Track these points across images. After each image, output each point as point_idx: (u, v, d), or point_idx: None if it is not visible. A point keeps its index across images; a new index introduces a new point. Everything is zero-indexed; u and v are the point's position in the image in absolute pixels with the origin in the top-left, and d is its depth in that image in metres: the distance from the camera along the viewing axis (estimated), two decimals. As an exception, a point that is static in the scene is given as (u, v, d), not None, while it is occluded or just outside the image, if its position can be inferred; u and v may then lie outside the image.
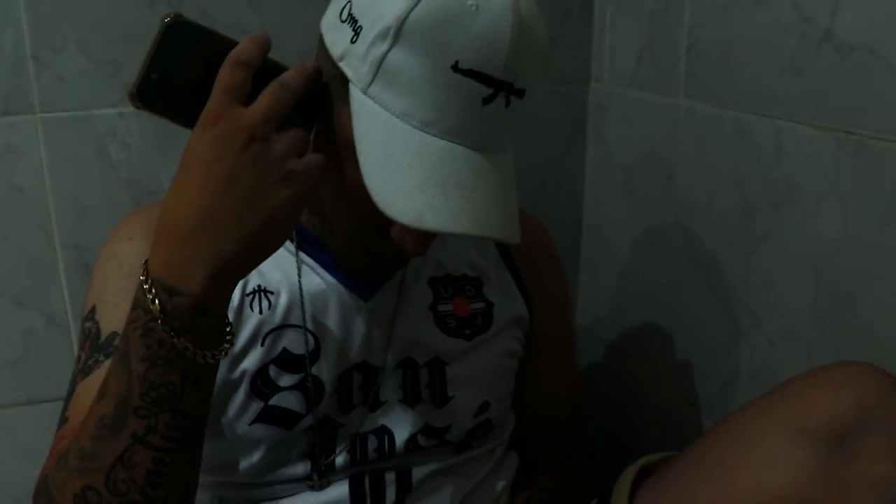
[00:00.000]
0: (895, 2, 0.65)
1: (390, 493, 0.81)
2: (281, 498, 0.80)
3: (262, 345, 0.78)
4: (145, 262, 0.59)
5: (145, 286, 0.58)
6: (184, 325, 0.58)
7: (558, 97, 1.10)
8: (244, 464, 0.80)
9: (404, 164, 0.59)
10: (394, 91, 0.59)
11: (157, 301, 0.57)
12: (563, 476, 0.90)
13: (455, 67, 0.58)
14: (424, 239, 0.64)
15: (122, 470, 0.58)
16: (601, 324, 1.15)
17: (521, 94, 0.61)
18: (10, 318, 0.98)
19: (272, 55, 0.61)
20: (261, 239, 0.58)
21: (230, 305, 0.76)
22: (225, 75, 0.58)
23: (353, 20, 0.62)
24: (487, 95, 0.59)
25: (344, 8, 0.63)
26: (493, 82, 0.59)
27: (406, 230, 0.63)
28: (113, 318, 0.73)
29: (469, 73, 0.58)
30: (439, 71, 0.58)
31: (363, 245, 0.73)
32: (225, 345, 0.61)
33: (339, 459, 0.80)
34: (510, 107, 0.60)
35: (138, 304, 0.59)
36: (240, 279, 0.61)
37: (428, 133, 0.59)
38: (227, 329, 0.61)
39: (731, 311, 0.87)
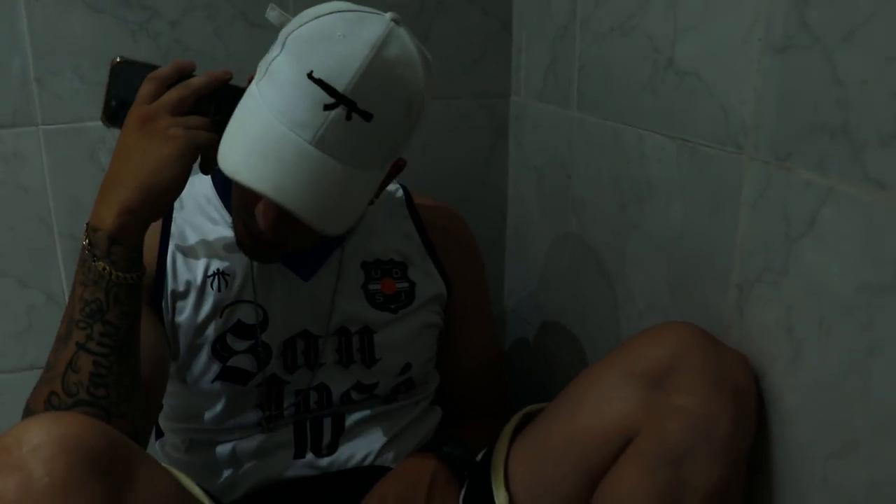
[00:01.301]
0: (713, 38, 0.81)
1: (326, 435, 0.97)
2: (238, 440, 0.96)
3: (221, 317, 0.94)
4: (88, 220, 0.77)
5: (85, 232, 0.76)
6: (103, 253, 0.75)
7: (484, 109, 1.26)
8: (208, 413, 0.96)
9: (246, 135, 0.75)
10: (270, 86, 0.75)
11: (87, 238, 0.75)
12: (477, 429, 1.05)
13: (310, 75, 0.73)
14: (273, 221, 0.79)
15: (72, 374, 0.74)
16: (523, 305, 1.31)
17: (366, 116, 0.74)
18: (16, 297, 1.15)
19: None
20: (152, 188, 0.75)
21: (194, 284, 0.93)
22: (142, 88, 0.77)
23: (276, 38, 0.79)
24: (330, 103, 0.73)
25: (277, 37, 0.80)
26: (336, 94, 0.73)
27: (262, 208, 0.79)
28: None
29: (318, 82, 0.73)
30: (298, 75, 0.74)
31: (244, 223, 0.88)
32: (136, 271, 0.77)
33: (286, 411, 0.96)
34: (351, 121, 0.74)
35: (81, 250, 0.76)
36: (144, 219, 0.76)
37: (277, 120, 0.74)
38: (137, 258, 0.77)
39: (612, 289, 1.03)
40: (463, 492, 0.91)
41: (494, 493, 0.85)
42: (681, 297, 0.91)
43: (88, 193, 1.13)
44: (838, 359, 0.70)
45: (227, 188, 0.97)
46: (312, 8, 0.77)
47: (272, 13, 0.80)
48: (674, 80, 0.88)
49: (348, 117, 0.74)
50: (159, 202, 0.76)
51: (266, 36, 1.08)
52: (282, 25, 0.80)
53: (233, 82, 0.81)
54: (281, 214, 0.78)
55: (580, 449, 0.79)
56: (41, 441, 0.60)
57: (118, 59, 0.79)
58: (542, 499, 0.83)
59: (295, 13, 0.80)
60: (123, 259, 0.76)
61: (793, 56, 0.72)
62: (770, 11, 0.74)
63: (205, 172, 0.81)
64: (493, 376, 1.13)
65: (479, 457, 0.93)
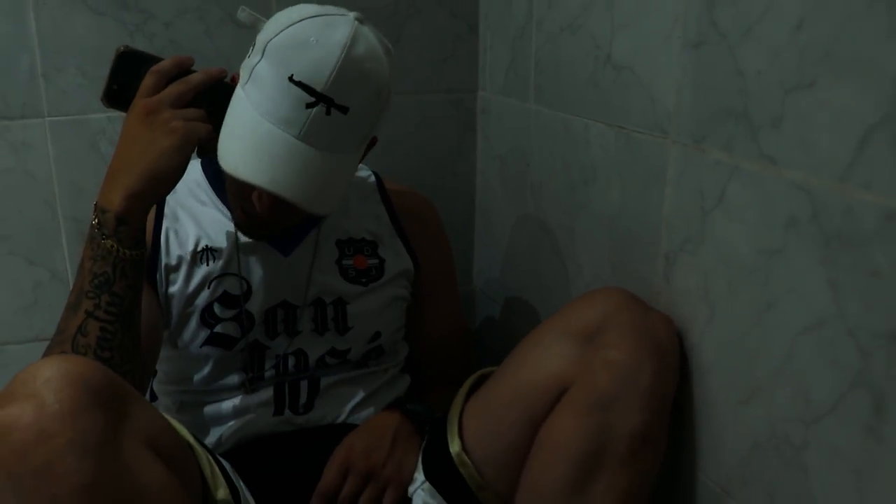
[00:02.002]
0: (642, 36, 0.91)
1: (303, 396, 1.06)
2: (223, 400, 1.06)
3: (209, 288, 1.03)
4: (95, 202, 0.86)
5: (93, 212, 0.85)
6: (111, 232, 0.83)
7: (453, 103, 1.36)
8: (196, 376, 1.06)
9: (239, 135, 0.85)
10: (255, 89, 0.85)
11: (96, 218, 0.84)
12: (441, 393, 1.13)
13: (290, 78, 0.83)
14: (269, 206, 0.90)
15: (81, 337, 0.83)
16: (490, 285, 1.41)
17: (343, 109, 0.85)
18: (23, 274, 1.25)
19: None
20: (155, 175, 0.84)
21: (185, 259, 1.02)
22: (145, 81, 0.85)
23: (253, 45, 0.88)
24: (310, 102, 0.84)
25: (253, 42, 0.90)
26: (316, 94, 0.83)
27: (257, 196, 0.90)
28: None
29: (299, 84, 0.83)
30: (280, 79, 0.84)
31: (242, 208, 0.98)
32: (140, 248, 0.86)
33: (267, 373, 1.06)
34: (331, 115, 0.84)
35: (90, 228, 0.85)
36: (148, 202, 0.85)
37: (265, 119, 0.84)
38: (141, 237, 0.86)
39: (564, 264, 1.13)
40: (423, 444, 1.00)
41: (449, 443, 0.95)
42: (619, 269, 1.00)
43: (90, 179, 1.23)
44: (743, 316, 0.79)
45: (215, 174, 1.07)
46: (283, 14, 0.88)
47: (243, 14, 0.90)
48: (612, 74, 0.97)
49: (328, 112, 0.84)
50: (162, 188, 0.86)
51: (250, 38, 1.17)
52: (252, 24, 0.90)
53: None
54: (275, 200, 0.88)
55: (523, 399, 0.89)
56: (52, 375, 0.69)
57: (122, 48, 0.87)
58: (491, 447, 0.92)
59: (279, 11, 0.90)
60: (129, 237, 0.85)
61: (704, 51, 0.81)
62: (686, 12, 0.83)
63: (201, 157, 0.91)
64: (459, 348, 1.22)
65: (440, 415, 1.03)
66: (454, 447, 0.94)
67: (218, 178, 1.07)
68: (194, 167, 1.09)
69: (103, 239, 0.84)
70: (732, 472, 0.83)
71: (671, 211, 0.89)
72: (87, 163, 1.23)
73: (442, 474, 0.96)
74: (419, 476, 0.97)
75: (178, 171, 0.86)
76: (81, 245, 1.17)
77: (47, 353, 0.86)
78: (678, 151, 0.86)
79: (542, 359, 0.88)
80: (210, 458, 0.86)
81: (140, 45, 1.18)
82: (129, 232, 0.85)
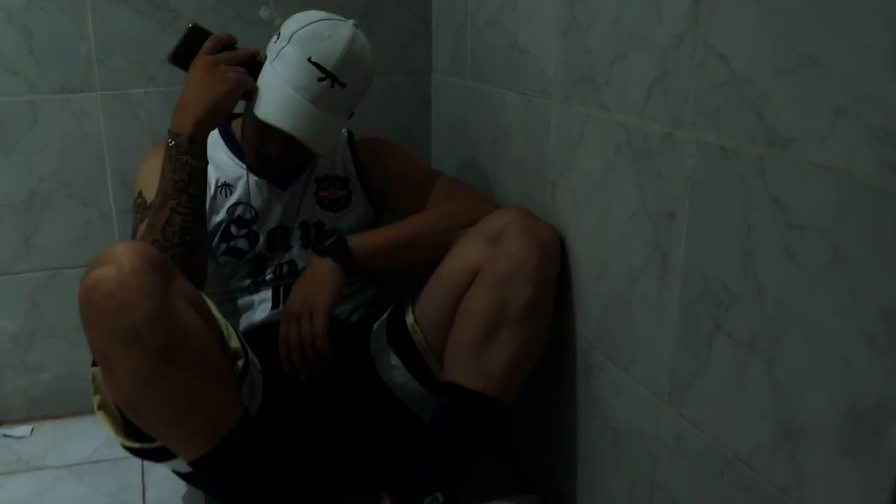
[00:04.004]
0: (535, 27, 1.26)
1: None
2: (236, 298, 1.41)
3: (227, 213, 1.38)
4: (170, 128, 1.21)
5: (169, 135, 1.19)
6: (185, 149, 1.18)
7: (412, 83, 1.72)
8: (218, 279, 1.40)
9: (270, 95, 1.21)
10: (281, 64, 1.22)
11: (172, 140, 1.19)
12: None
13: (309, 59, 1.20)
14: (281, 146, 1.27)
15: (168, 227, 1.18)
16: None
17: (343, 84, 1.23)
18: (78, 213, 1.60)
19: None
20: (215, 108, 1.19)
21: (210, 192, 1.37)
22: (207, 43, 1.22)
23: (278, 35, 1.24)
24: (321, 77, 1.21)
25: (277, 32, 1.25)
26: (326, 72, 1.21)
27: (272, 140, 1.27)
28: (151, 193, 1.32)
29: (315, 64, 1.21)
30: (301, 59, 1.20)
31: (256, 149, 1.33)
32: (205, 160, 1.21)
33: (267, 278, 1.41)
34: (334, 88, 1.22)
35: (168, 148, 1.19)
36: (208, 129, 1.21)
37: (287, 86, 1.21)
38: (204, 152, 1.21)
39: (492, 194, 1.48)
40: (386, 316, 1.35)
41: (405, 316, 1.31)
42: (524, 194, 1.36)
43: (130, 140, 1.59)
44: (595, 219, 1.15)
45: (227, 132, 1.42)
46: (303, 15, 1.27)
47: (264, 13, 1.27)
48: (517, 56, 1.33)
49: (332, 85, 1.23)
50: (218, 117, 1.22)
51: (253, 29, 1.53)
52: (271, 20, 1.26)
53: None
54: (285, 143, 1.26)
55: (450, 282, 1.24)
56: (126, 249, 1.03)
57: (192, 24, 1.24)
58: (431, 318, 1.28)
59: (277, 12, 1.26)
60: (198, 153, 1.20)
61: (568, 37, 1.17)
62: (558, 10, 1.19)
63: (245, 100, 1.26)
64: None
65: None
66: (409, 319, 1.30)
67: (226, 134, 1.42)
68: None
69: (179, 155, 1.19)
70: (594, 329, 1.19)
71: (553, 150, 1.25)
72: (129, 127, 1.58)
73: (399, 340, 1.31)
74: (383, 339, 1.33)
75: (230, 107, 1.22)
76: (123, 192, 1.55)
77: (141, 240, 1.20)
78: (556, 107, 1.22)
79: (464, 254, 1.24)
80: (225, 321, 1.20)
81: (170, 36, 1.53)
82: (198, 149, 1.20)
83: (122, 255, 1.03)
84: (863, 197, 0.72)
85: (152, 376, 1.01)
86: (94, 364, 1.11)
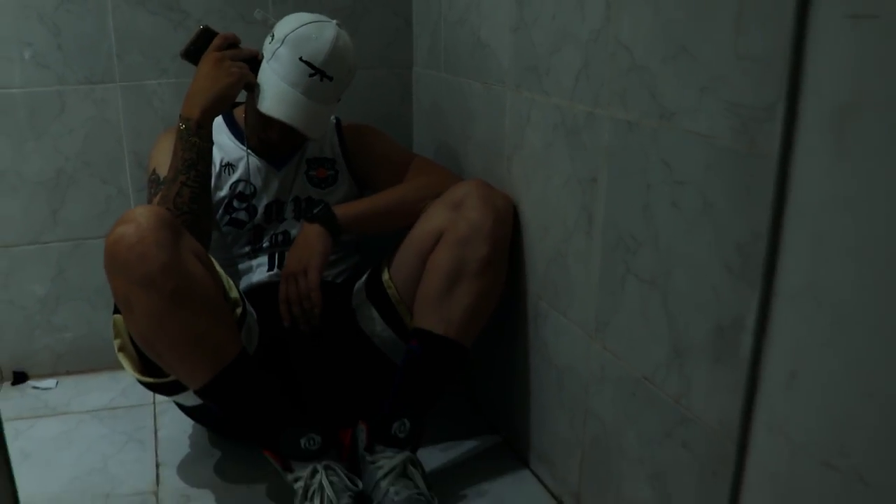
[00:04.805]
0: (492, 25, 1.47)
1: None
2: (238, 263, 1.62)
3: (230, 189, 1.60)
4: (181, 113, 1.41)
5: (180, 120, 1.40)
6: (193, 132, 1.39)
7: (395, 76, 1.93)
8: (222, 245, 1.61)
9: (269, 91, 1.42)
10: (277, 63, 1.43)
11: (183, 124, 1.39)
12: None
13: (300, 58, 1.41)
14: (280, 133, 1.48)
15: (178, 198, 1.38)
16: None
17: (330, 78, 1.44)
18: (99, 189, 1.81)
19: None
20: (220, 97, 1.40)
21: (215, 170, 1.58)
22: (215, 41, 1.42)
23: (272, 37, 1.45)
24: (312, 73, 1.42)
25: (271, 34, 1.47)
26: (315, 68, 1.42)
27: (272, 128, 1.48)
28: (163, 170, 1.53)
29: (305, 62, 1.42)
30: (294, 58, 1.42)
31: (258, 135, 1.55)
32: (211, 142, 1.41)
33: (264, 245, 1.62)
34: (323, 82, 1.43)
35: (179, 131, 1.40)
36: (214, 115, 1.41)
37: (283, 81, 1.42)
38: (210, 136, 1.41)
39: (461, 171, 1.69)
40: (366, 275, 1.56)
41: (382, 273, 1.51)
42: (486, 169, 1.56)
43: (146, 126, 1.80)
44: (540, 187, 1.36)
45: (230, 118, 1.63)
46: (293, 17, 1.47)
47: (258, 14, 1.48)
48: (481, 50, 1.54)
49: (321, 80, 1.44)
50: (223, 106, 1.43)
51: (253, 28, 1.73)
52: (264, 21, 1.47)
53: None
54: (283, 130, 1.48)
55: (419, 243, 1.45)
56: (143, 211, 1.24)
57: (203, 26, 1.45)
58: (401, 272, 1.48)
59: (274, 12, 1.47)
60: (205, 136, 1.41)
61: (518, 34, 1.37)
62: (510, 8, 1.40)
63: (247, 91, 1.48)
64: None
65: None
66: (384, 276, 1.51)
67: (230, 121, 1.63)
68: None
69: (189, 137, 1.40)
70: (540, 282, 1.40)
71: (508, 130, 1.45)
72: (144, 114, 1.80)
73: (376, 294, 1.53)
74: (362, 295, 1.54)
75: (233, 97, 1.43)
76: (138, 171, 1.77)
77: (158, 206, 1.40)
78: (510, 94, 1.43)
79: (431, 219, 1.45)
80: (226, 276, 1.41)
81: (181, 34, 1.75)
82: (205, 132, 1.41)
83: (140, 216, 1.24)
84: (721, 156, 0.93)
85: (164, 315, 1.22)
86: (115, 311, 1.33)
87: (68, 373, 1.91)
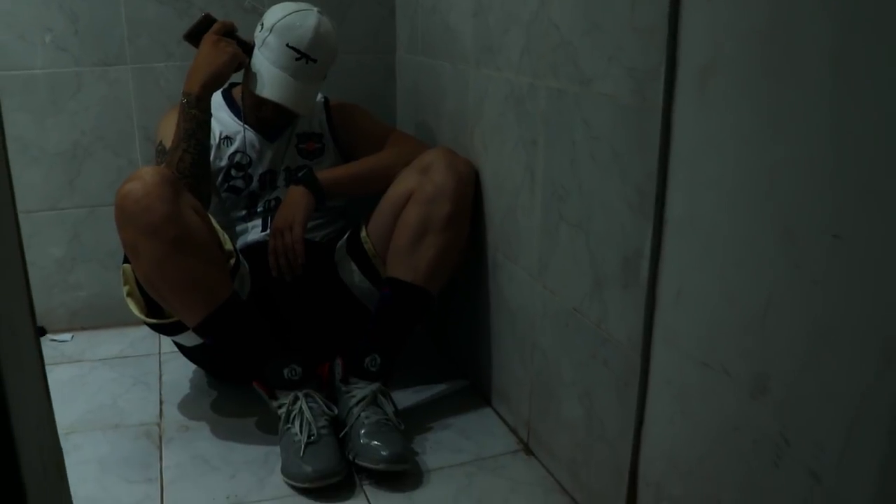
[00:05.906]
0: (462, 7, 1.68)
1: (278, 221, 1.85)
2: (235, 225, 1.83)
3: (228, 159, 1.81)
4: (183, 89, 1.63)
5: (182, 95, 1.62)
6: (193, 105, 1.61)
7: (380, 60, 2.15)
8: (221, 209, 1.83)
9: (261, 75, 1.64)
10: (266, 50, 1.65)
11: (185, 99, 1.61)
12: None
13: (287, 44, 1.63)
14: (274, 111, 1.70)
15: (180, 163, 1.60)
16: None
17: (315, 61, 1.65)
18: (111, 161, 2.03)
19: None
20: (217, 74, 1.61)
21: (214, 142, 1.80)
22: (215, 25, 1.64)
23: (261, 25, 1.67)
24: (298, 57, 1.64)
25: (260, 23, 1.68)
26: (300, 53, 1.63)
27: (266, 107, 1.70)
28: (168, 142, 1.74)
29: (292, 48, 1.63)
30: (281, 44, 1.63)
31: (254, 112, 1.76)
32: (209, 115, 1.63)
33: (259, 209, 1.84)
34: (308, 64, 1.64)
35: (181, 105, 1.62)
36: (212, 90, 1.63)
37: (273, 66, 1.64)
38: (209, 109, 1.63)
39: (434, 142, 1.89)
40: (347, 234, 1.77)
41: (361, 231, 1.72)
42: (456, 142, 1.77)
43: (154, 104, 2.02)
44: (496, 152, 1.56)
45: (228, 97, 1.85)
46: (279, 7, 1.68)
47: (247, 4, 1.70)
48: (449, 35, 1.75)
49: (307, 63, 1.65)
50: (220, 82, 1.64)
51: (248, 17, 1.95)
52: (254, 9, 1.69)
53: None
54: (276, 108, 1.69)
55: (392, 203, 1.66)
56: (148, 170, 1.46)
57: (205, 13, 1.67)
58: (377, 230, 1.69)
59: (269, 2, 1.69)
60: (204, 109, 1.63)
61: (478, 18, 1.58)
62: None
63: (244, 70, 1.70)
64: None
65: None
66: (363, 233, 1.72)
67: (229, 99, 1.85)
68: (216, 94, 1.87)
69: (190, 109, 1.61)
70: (497, 236, 1.60)
71: (471, 104, 1.66)
72: (152, 93, 2.02)
73: (355, 250, 1.74)
74: (343, 250, 1.75)
75: (228, 75, 1.65)
76: (147, 144, 1.99)
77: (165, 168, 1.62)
78: (472, 72, 1.64)
79: (402, 182, 1.66)
80: (221, 230, 1.62)
81: (185, 21, 1.96)
82: (204, 105, 1.63)
83: (146, 174, 1.46)
84: (623, 112, 1.13)
85: (166, 260, 1.44)
86: (124, 261, 1.54)
87: (82, 328, 2.13)
